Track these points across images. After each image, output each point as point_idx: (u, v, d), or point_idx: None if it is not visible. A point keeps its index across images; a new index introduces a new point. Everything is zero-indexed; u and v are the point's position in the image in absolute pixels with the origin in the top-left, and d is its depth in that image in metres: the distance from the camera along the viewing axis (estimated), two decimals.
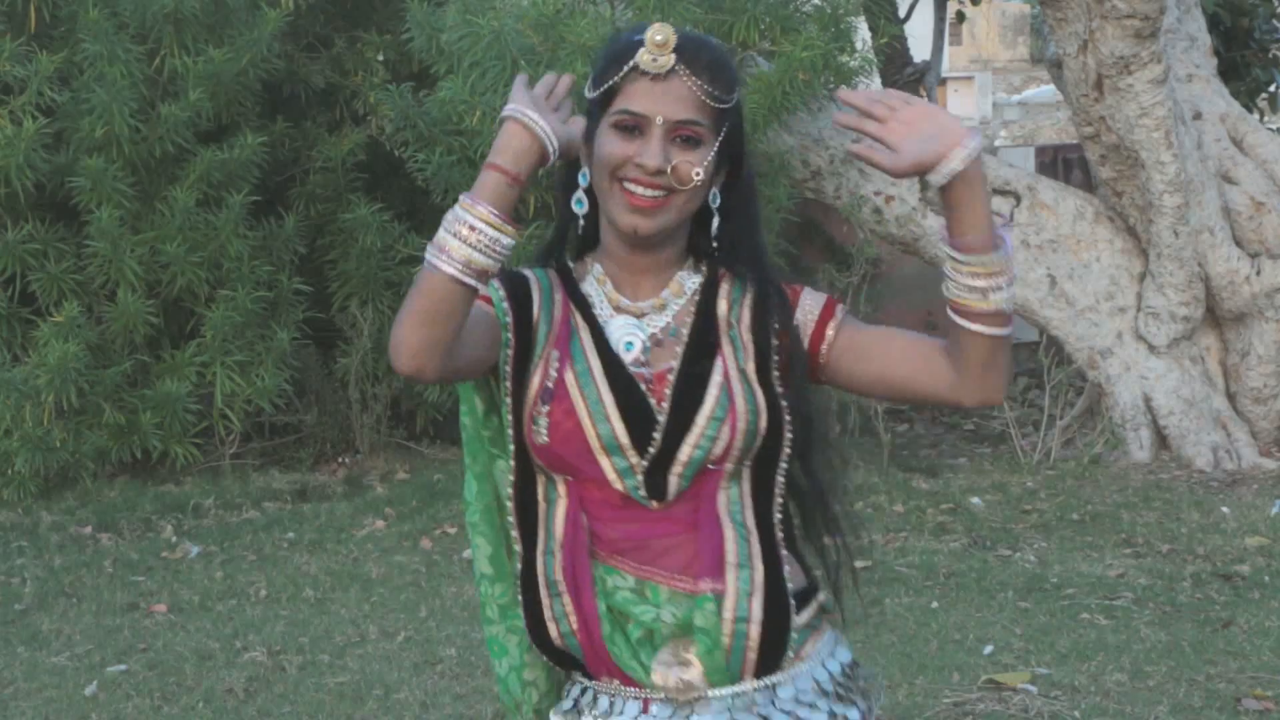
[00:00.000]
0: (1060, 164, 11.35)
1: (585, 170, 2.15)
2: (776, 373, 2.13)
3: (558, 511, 2.13)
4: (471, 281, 1.97)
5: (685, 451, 2.08)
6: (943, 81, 22.11)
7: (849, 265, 8.81)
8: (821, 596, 2.21)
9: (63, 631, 5.68)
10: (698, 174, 2.08)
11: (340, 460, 8.51)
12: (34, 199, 7.90)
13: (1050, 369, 8.27)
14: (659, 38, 2.07)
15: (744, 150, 2.18)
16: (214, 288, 8.09)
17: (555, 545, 2.13)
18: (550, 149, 2.01)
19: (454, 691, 4.94)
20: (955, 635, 5.35)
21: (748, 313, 2.16)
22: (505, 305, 2.14)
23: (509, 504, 2.17)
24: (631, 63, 2.09)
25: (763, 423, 2.10)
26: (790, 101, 7.70)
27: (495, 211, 2.01)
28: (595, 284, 2.18)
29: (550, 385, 2.10)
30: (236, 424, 8.14)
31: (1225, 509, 7.01)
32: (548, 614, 2.13)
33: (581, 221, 2.17)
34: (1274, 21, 12.81)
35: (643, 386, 2.10)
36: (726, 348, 2.13)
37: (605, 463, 2.09)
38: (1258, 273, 8.06)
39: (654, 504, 2.10)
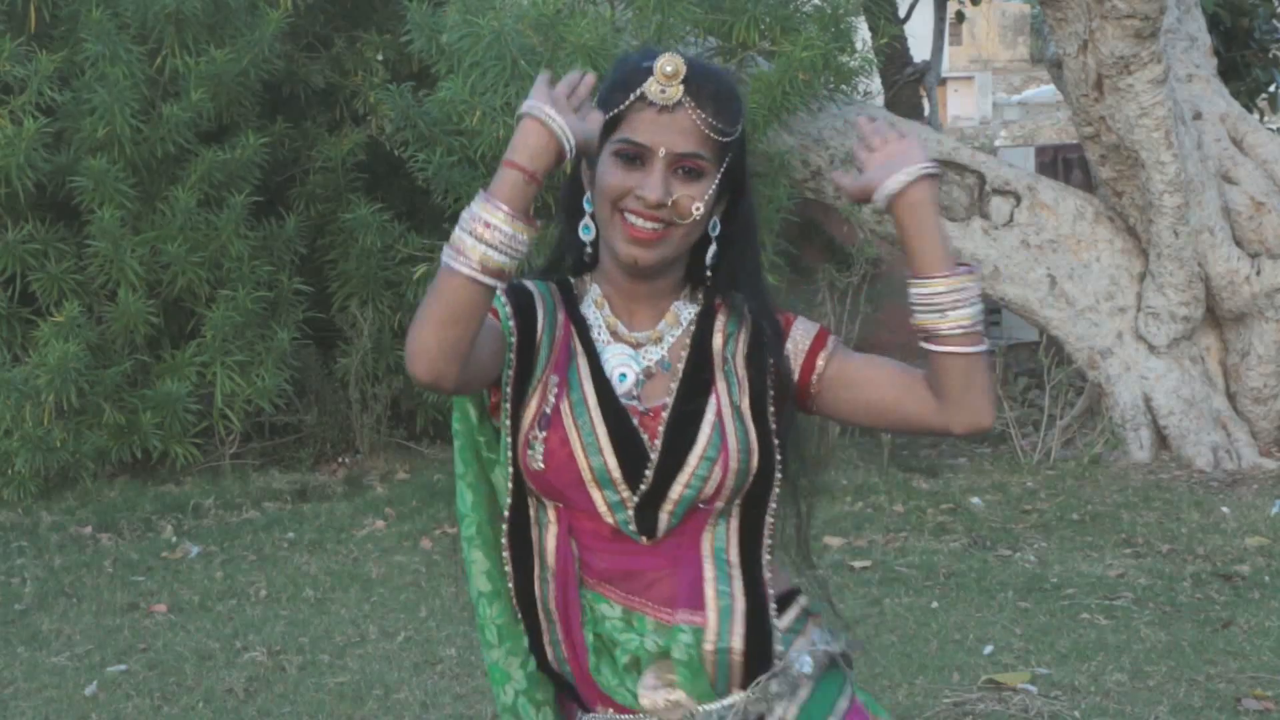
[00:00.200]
0: (1060, 164, 11.36)
1: (589, 194, 2.14)
2: (772, 408, 2.13)
3: (548, 537, 2.13)
4: (489, 281, 1.94)
5: (676, 490, 2.08)
6: (943, 81, 22.11)
7: (849, 265, 8.81)
8: (804, 600, 2.21)
9: (63, 631, 5.68)
10: (697, 209, 2.08)
11: (340, 460, 8.51)
12: (34, 199, 7.90)
13: (1050, 369, 8.28)
14: (669, 69, 2.06)
15: (745, 180, 2.16)
16: (214, 288, 8.09)
17: (549, 573, 2.13)
18: (567, 147, 1.97)
19: (454, 691, 4.94)
20: (955, 635, 5.35)
21: (743, 347, 2.15)
22: (511, 324, 2.12)
23: (504, 525, 2.15)
24: (639, 91, 2.07)
25: (754, 462, 2.10)
26: (790, 101, 7.71)
27: (512, 209, 1.95)
28: (594, 306, 2.17)
29: (548, 411, 2.09)
30: (236, 424, 8.14)
31: (1225, 509, 7.02)
32: (545, 638, 2.13)
33: (588, 249, 2.16)
34: (1274, 21, 12.81)
35: (634, 420, 2.09)
36: (720, 384, 2.12)
37: (597, 495, 2.09)
38: (1258, 273, 8.07)
39: (644, 540, 2.10)
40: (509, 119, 7.43)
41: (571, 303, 2.17)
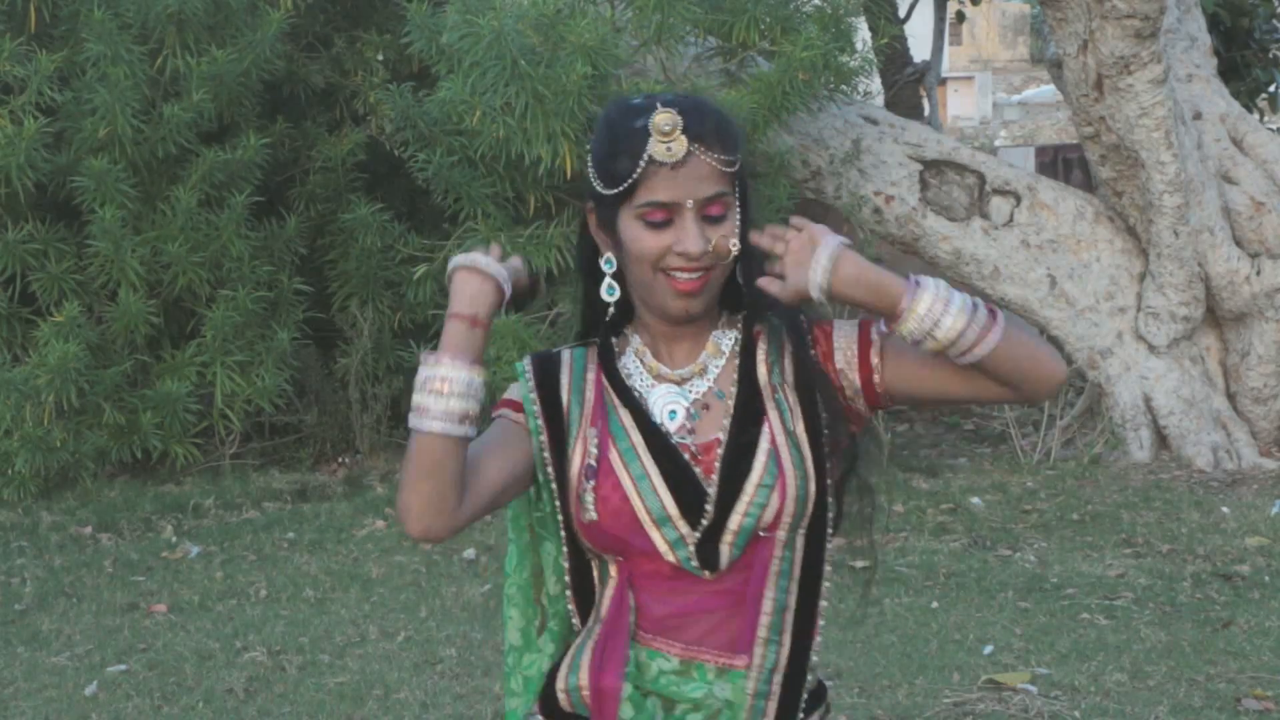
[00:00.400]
0: (1060, 164, 11.37)
1: (608, 257, 2.13)
2: (826, 431, 2.11)
3: (608, 591, 2.14)
4: (459, 432, 2.01)
5: (735, 520, 2.08)
6: (943, 81, 22.11)
7: None
8: (828, 701, 2.21)
9: (63, 631, 5.68)
10: (734, 245, 2.09)
11: (340, 460, 8.51)
12: (35, 199, 7.90)
13: None
14: (666, 126, 2.05)
15: (750, 193, 2.17)
16: (215, 288, 8.09)
17: (597, 623, 2.14)
18: (503, 283, 2.05)
19: (454, 691, 4.94)
20: (955, 635, 5.35)
21: (789, 374, 2.14)
22: (533, 396, 2.16)
23: (566, 590, 2.17)
24: (646, 155, 2.05)
25: (812, 487, 2.09)
26: (790, 101, 7.71)
27: (463, 358, 2.02)
28: (634, 356, 2.17)
29: (593, 463, 2.10)
30: (236, 424, 8.14)
31: (1225, 509, 7.02)
32: (560, 684, 2.14)
33: (612, 309, 2.16)
34: (1274, 21, 12.82)
35: (686, 457, 2.10)
36: (773, 413, 2.12)
37: (656, 535, 2.08)
38: (1258, 273, 8.07)
39: (706, 574, 2.09)
40: (509, 119, 7.43)
41: (609, 361, 2.17)
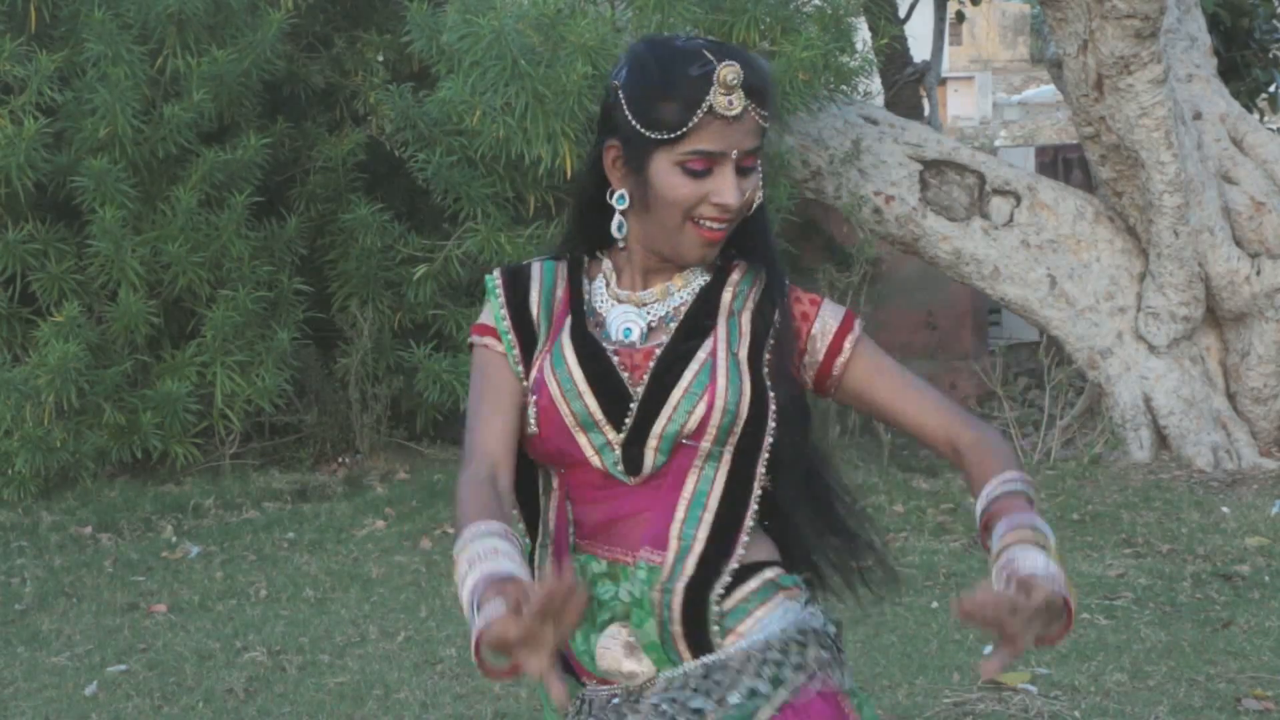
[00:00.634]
0: (1060, 164, 11.36)
1: (621, 193, 2.13)
2: (766, 368, 2.13)
3: (550, 504, 2.16)
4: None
5: (659, 425, 2.09)
6: (943, 81, 22.11)
7: (849, 265, 8.80)
8: (771, 573, 2.14)
9: (63, 631, 5.68)
10: (759, 195, 2.12)
11: (340, 460, 8.51)
12: (35, 199, 7.90)
13: (1050, 369, 8.27)
14: (733, 79, 2.04)
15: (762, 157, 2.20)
16: (215, 288, 8.09)
17: (548, 539, 2.16)
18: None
19: (454, 691, 4.94)
20: (955, 635, 5.35)
21: (752, 302, 2.16)
22: (503, 313, 2.17)
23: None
24: (706, 105, 2.04)
25: (744, 406, 2.09)
26: (790, 101, 7.71)
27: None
28: (602, 279, 2.19)
29: (537, 375, 2.13)
30: (236, 424, 8.14)
31: (1225, 509, 7.02)
32: None
33: (619, 239, 2.16)
34: (1274, 21, 12.82)
35: (615, 360, 2.11)
36: (721, 329, 2.13)
37: (583, 440, 2.10)
38: (1258, 273, 8.06)
39: (631, 479, 2.11)
40: (509, 119, 7.43)
41: (577, 278, 2.20)
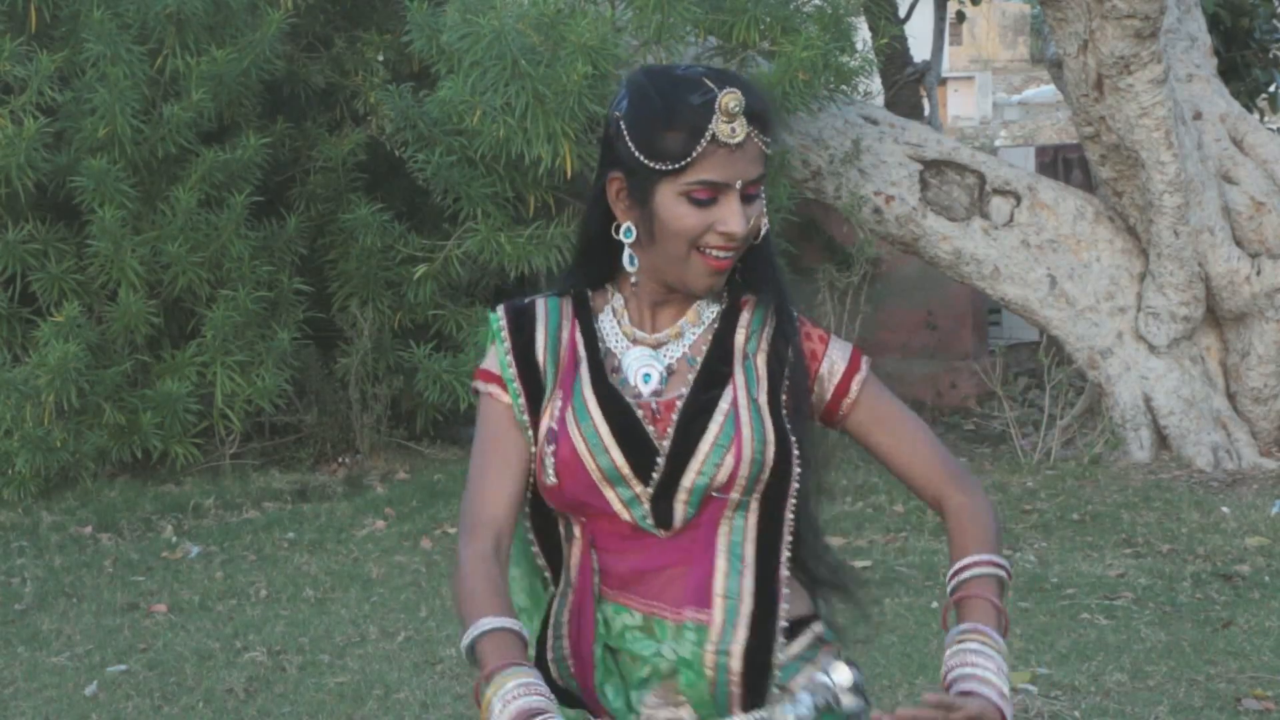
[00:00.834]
0: (1060, 164, 11.36)
1: (628, 226, 2.10)
2: (786, 411, 2.12)
3: (573, 552, 2.14)
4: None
5: (689, 478, 2.07)
6: (943, 81, 22.11)
7: (849, 265, 8.80)
8: (818, 628, 2.19)
9: (63, 631, 5.68)
10: (765, 223, 2.11)
11: (340, 460, 8.51)
12: (35, 199, 7.90)
13: (1050, 369, 8.27)
14: (735, 106, 2.02)
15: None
16: (215, 288, 8.09)
17: (570, 587, 2.13)
18: None
19: (454, 691, 4.94)
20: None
21: (765, 344, 2.14)
22: (509, 360, 2.14)
23: (533, 547, 2.18)
24: (709, 134, 2.03)
25: (770, 453, 2.09)
26: (790, 101, 7.70)
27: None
28: (612, 316, 2.16)
29: (554, 426, 2.10)
30: (237, 424, 8.14)
31: (1225, 509, 7.01)
32: (550, 654, 2.13)
33: (632, 272, 2.13)
34: (1274, 21, 12.82)
35: (639, 413, 2.09)
36: (739, 376, 2.11)
37: (610, 494, 2.08)
38: (1258, 273, 8.06)
39: (661, 532, 2.09)
40: (509, 119, 7.43)
41: (585, 315, 2.17)
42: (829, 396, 2.18)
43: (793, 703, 2.11)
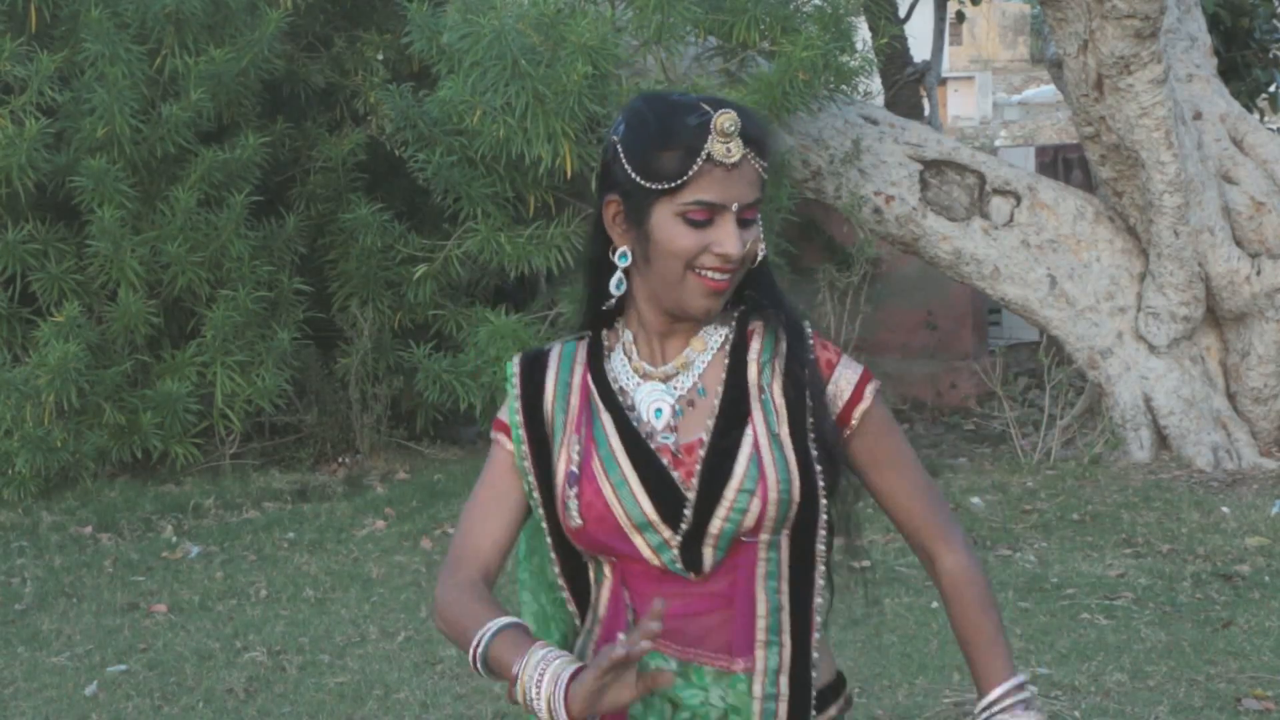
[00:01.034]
0: (1060, 164, 11.35)
1: (624, 251, 2.10)
2: (812, 435, 2.11)
3: (604, 591, 2.14)
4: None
5: (716, 525, 2.07)
6: (943, 81, 22.11)
7: (849, 265, 8.81)
8: (850, 690, 2.21)
9: (63, 631, 5.68)
10: (763, 248, 2.10)
11: (340, 460, 8.51)
12: (35, 199, 7.90)
13: (1050, 369, 8.27)
14: (730, 126, 2.03)
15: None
16: (215, 288, 8.09)
17: (596, 624, 2.13)
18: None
19: (454, 691, 4.94)
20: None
21: (779, 372, 2.13)
22: (516, 405, 2.16)
23: (563, 592, 2.19)
24: (704, 154, 2.03)
25: (796, 491, 2.08)
26: (790, 101, 7.70)
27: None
28: (622, 353, 2.16)
29: (575, 470, 2.10)
30: (237, 424, 8.14)
31: (1225, 509, 7.01)
32: None
33: (614, 296, 2.14)
34: (1274, 21, 12.82)
35: (665, 460, 2.09)
36: (757, 413, 2.10)
37: (639, 540, 2.08)
38: (1258, 273, 8.06)
39: (692, 576, 2.09)
40: (509, 119, 7.43)
41: (596, 358, 2.17)
42: (835, 417, 2.17)
43: None
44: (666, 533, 2.07)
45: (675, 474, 2.08)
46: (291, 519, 7.29)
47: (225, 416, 8.11)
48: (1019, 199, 8.49)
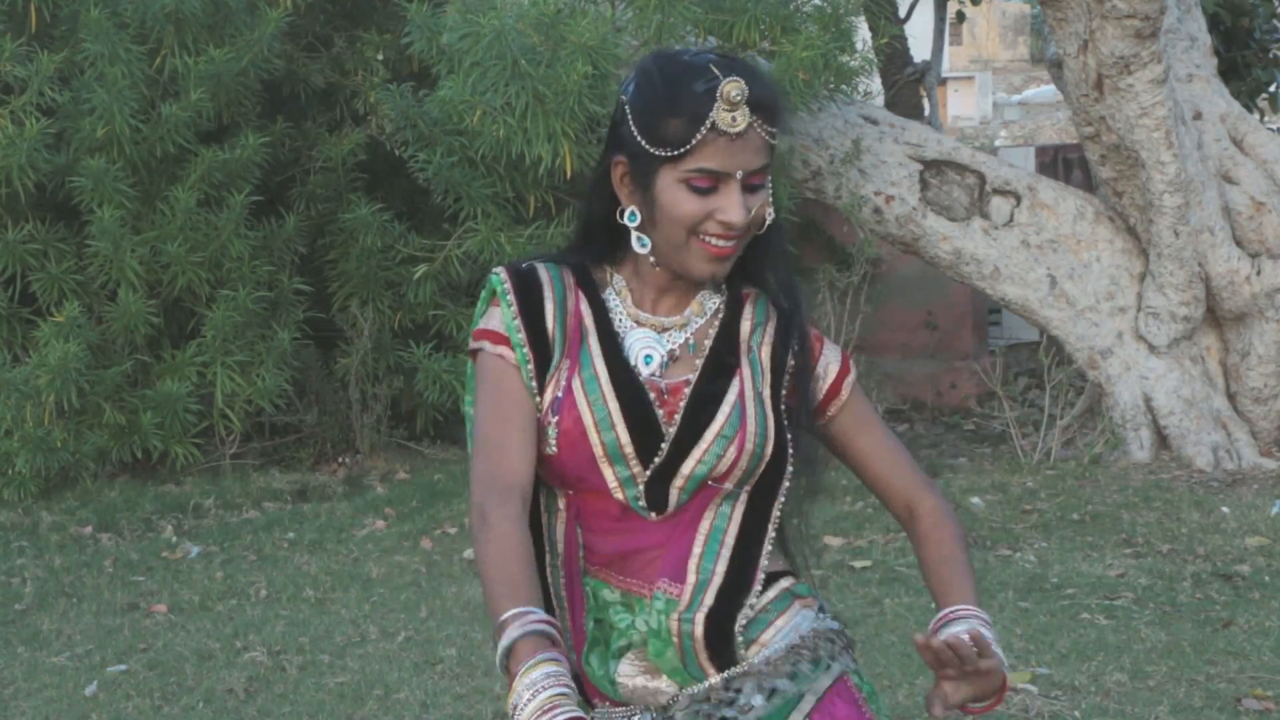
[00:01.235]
0: (1060, 164, 11.36)
1: (632, 210, 2.11)
2: (784, 406, 2.15)
3: (557, 524, 2.13)
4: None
5: (689, 465, 2.08)
6: (943, 81, 22.11)
7: (849, 265, 8.81)
8: (787, 582, 2.19)
9: (63, 631, 5.68)
10: (770, 214, 2.10)
11: (340, 460, 8.51)
12: (35, 199, 7.90)
13: (1050, 369, 8.27)
14: (736, 95, 2.02)
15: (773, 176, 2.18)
16: (214, 288, 8.09)
17: (559, 560, 2.13)
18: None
19: (454, 691, 4.94)
20: None
21: (769, 338, 2.16)
22: (517, 324, 2.12)
23: None
24: (709, 122, 2.03)
25: (769, 448, 2.11)
26: (790, 101, 7.70)
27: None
28: (615, 295, 2.16)
29: (559, 395, 2.09)
30: (237, 424, 8.14)
31: (1225, 509, 7.01)
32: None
33: (643, 253, 2.12)
34: (1274, 21, 12.82)
35: (651, 396, 2.10)
36: (745, 369, 2.13)
37: (609, 472, 2.08)
38: (1258, 273, 8.06)
39: (653, 515, 2.10)
40: (509, 119, 7.43)
41: (589, 287, 2.16)
42: (820, 396, 2.20)
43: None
44: (637, 468, 2.08)
45: (659, 411, 2.09)
46: (291, 519, 7.29)
47: (225, 416, 8.11)
48: (1019, 199, 8.49)
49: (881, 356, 9.79)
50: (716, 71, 2.04)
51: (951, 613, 2.16)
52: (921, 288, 10.15)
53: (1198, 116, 8.31)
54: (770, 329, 2.17)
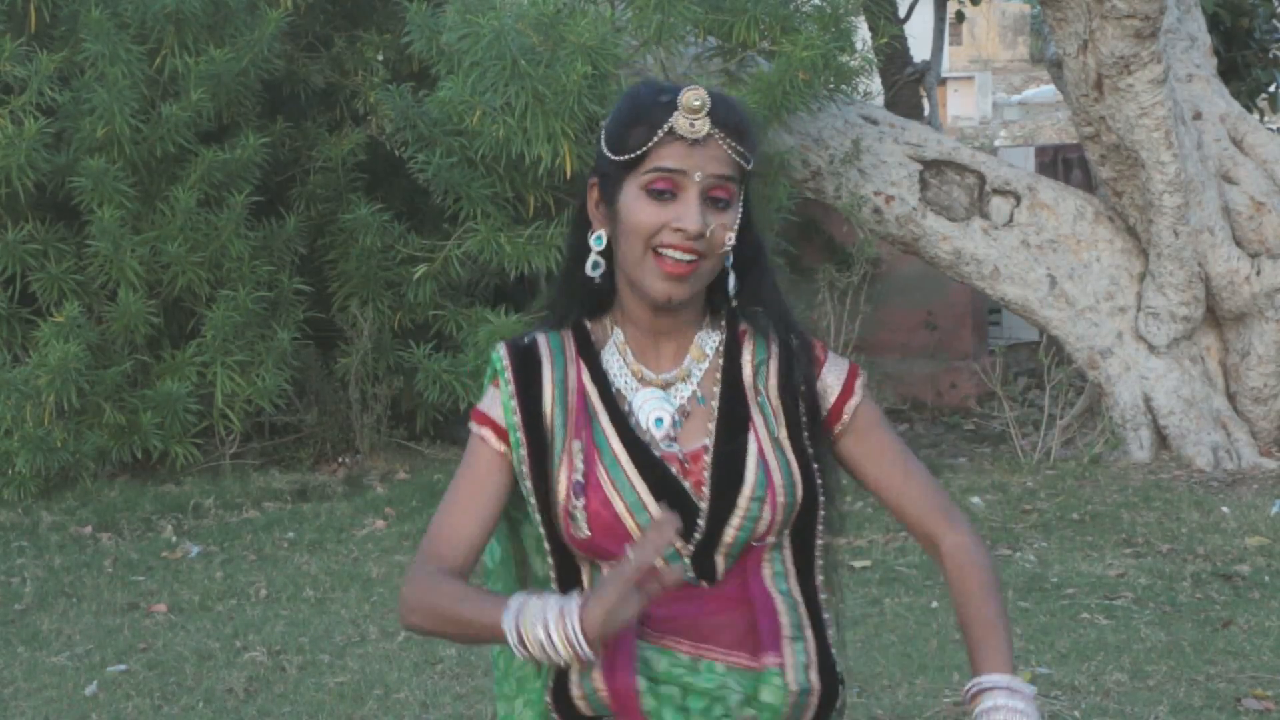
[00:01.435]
0: (1060, 164, 11.35)
1: (599, 234, 2.10)
2: (807, 434, 2.12)
3: None
4: (523, 655, 1.97)
5: (729, 534, 2.07)
6: (943, 81, 22.11)
7: (849, 265, 8.80)
8: (840, 700, 2.20)
9: (63, 631, 5.68)
10: (730, 238, 2.07)
11: (340, 460, 8.51)
12: (34, 199, 7.90)
13: (1050, 369, 8.27)
14: (695, 102, 2.03)
15: (753, 206, 2.15)
16: (214, 288, 8.09)
17: None
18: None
19: (454, 691, 4.94)
20: (955, 635, 5.34)
21: (774, 376, 2.13)
22: (514, 404, 2.11)
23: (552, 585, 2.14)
24: (666, 127, 2.04)
25: (799, 493, 2.10)
26: (790, 101, 7.71)
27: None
28: (616, 352, 2.14)
29: (580, 479, 2.07)
30: (236, 424, 8.14)
31: (1225, 509, 7.01)
32: (576, 690, 2.09)
33: (596, 280, 2.12)
34: (1274, 21, 12.82)
35: (674, 469, 2.08)
36: (757, 417, 2.11)
37: None
38: (1258, 273, 8.07)
39: (703, 584, 2.09)
40: (509, 119, 7.43)
41: (590, 354, 2.13)
42: (825, 414, 2.16)
43: None
44: (679, 543, 2.06)
45: (685, 484, 2.07)
46: (291, 519, 7.29)
47: (225, 416, 8.10)
48: (1019, 199, 8.49)
49: (881, 356, 9.79)
50: (683, 88, 2.06)
51: (978, 687, 2.09)
52: (921, 288, 10.15)
53: (1197, 116, 8.31)
54: (773, 366, 2.13)
